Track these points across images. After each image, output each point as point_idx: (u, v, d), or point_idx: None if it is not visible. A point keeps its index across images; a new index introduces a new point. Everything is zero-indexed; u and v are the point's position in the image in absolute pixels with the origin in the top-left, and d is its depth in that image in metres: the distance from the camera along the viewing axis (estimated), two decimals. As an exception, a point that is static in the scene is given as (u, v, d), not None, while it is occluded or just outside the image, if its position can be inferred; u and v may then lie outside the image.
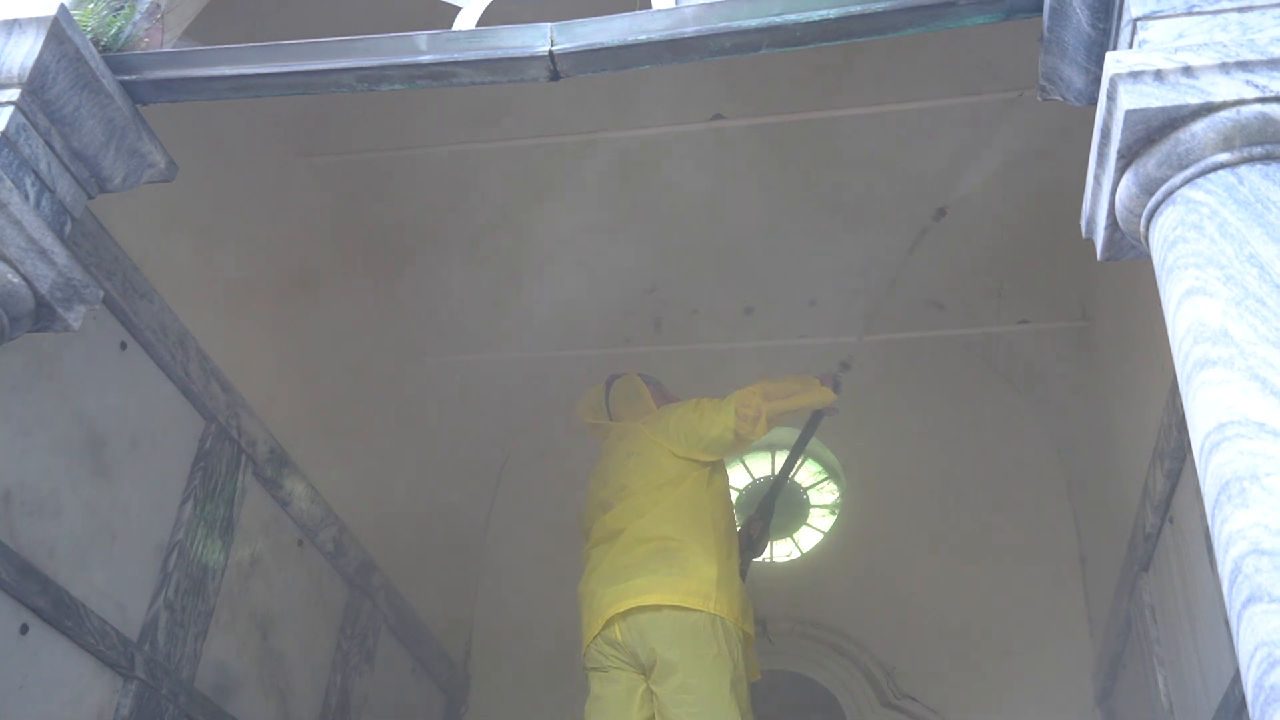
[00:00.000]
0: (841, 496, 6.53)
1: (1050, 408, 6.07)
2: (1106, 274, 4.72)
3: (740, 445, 4.20)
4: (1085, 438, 5.58)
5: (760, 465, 6.59)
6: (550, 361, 6.22)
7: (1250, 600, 1.75)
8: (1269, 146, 2.04)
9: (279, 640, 4.54)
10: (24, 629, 3.22)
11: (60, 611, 3.32)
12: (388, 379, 5.45)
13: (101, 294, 2.82)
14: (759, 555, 4.66)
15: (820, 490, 6.67)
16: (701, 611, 3.77)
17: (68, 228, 2.78)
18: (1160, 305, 2.19)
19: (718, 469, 4.29)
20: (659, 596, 3.81)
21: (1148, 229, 2.20)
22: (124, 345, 3.74)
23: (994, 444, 6.15)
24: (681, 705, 3.69)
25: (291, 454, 4.65)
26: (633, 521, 4.07)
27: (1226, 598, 1.82)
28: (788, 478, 4.96)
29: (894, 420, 6.26)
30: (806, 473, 6.71)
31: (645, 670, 3.84)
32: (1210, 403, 1.91)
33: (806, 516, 6.55)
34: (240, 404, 4.31)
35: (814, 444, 6.62)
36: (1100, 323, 5.07)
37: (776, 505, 4.75)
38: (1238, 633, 1.78)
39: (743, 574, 4.17)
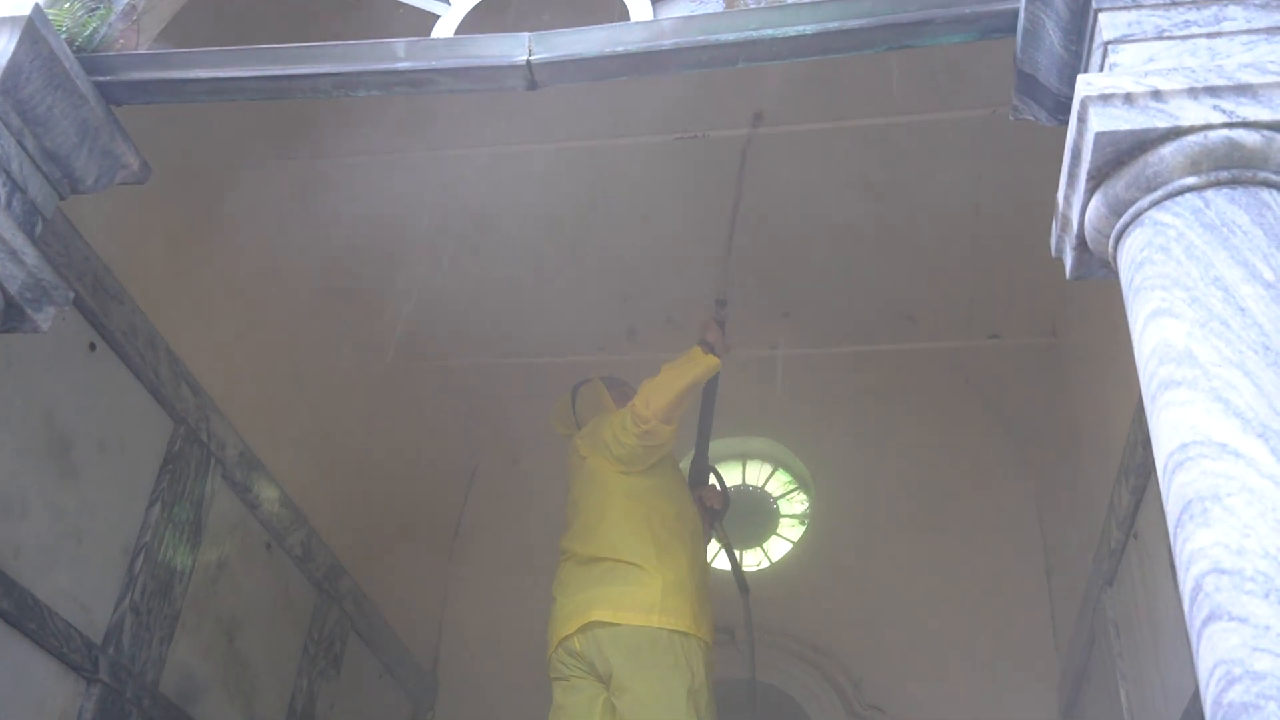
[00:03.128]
0: (811, 507, 6.56)
1: (1019, 422, 6.12)
2: (1076, 291, 4.76)
3: (655, 451, 4.16)
4: (1053, 453, 5.63)
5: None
6: (523, 368, 6.21)
7: (1210, 618, 1.77)
8: (1235, 171, 2.08)
9: (245, 644, 4.51)
10: (-14, 631, 3.19)
11: (24, 614, 3.29)
12: (359, 383, 5.42)
13: (72, 295, 2.80)
14: (723, 516, 4.60)
15: (790, 500, 6.69)
16: (654, 627, 3.78)
17: (38, 228, 2.76)
18: (1128, 324, 2.23)
19: (662, 467, 4.27)
20: (607, 614, 3.84)
21: (1116, 250, 2.23)
22: (93, 346, 3.72)
23: (963, 457, 6.19)
24: (638, 718, 3.71)
25: (261, 457, 4.63)
26: (585, 541, 4.12)
27: (1187, 615, 1.85)
28: (709, 435, 4.81)
29: (864, 432, 6.29)
30: (777, 483, 6.74)
31: (604, 680, 3.85)
32: (1174, 423, 1.94)
33: (776, 526, 6.57)
34: (210, 406, 4.29)
35: (784, 453, 6.68)
36: (1069, 339, 5.11)
37: (713, 468, 4.70)
38: (1198, 650, 1.81)
39: (730, 549, 4.19)
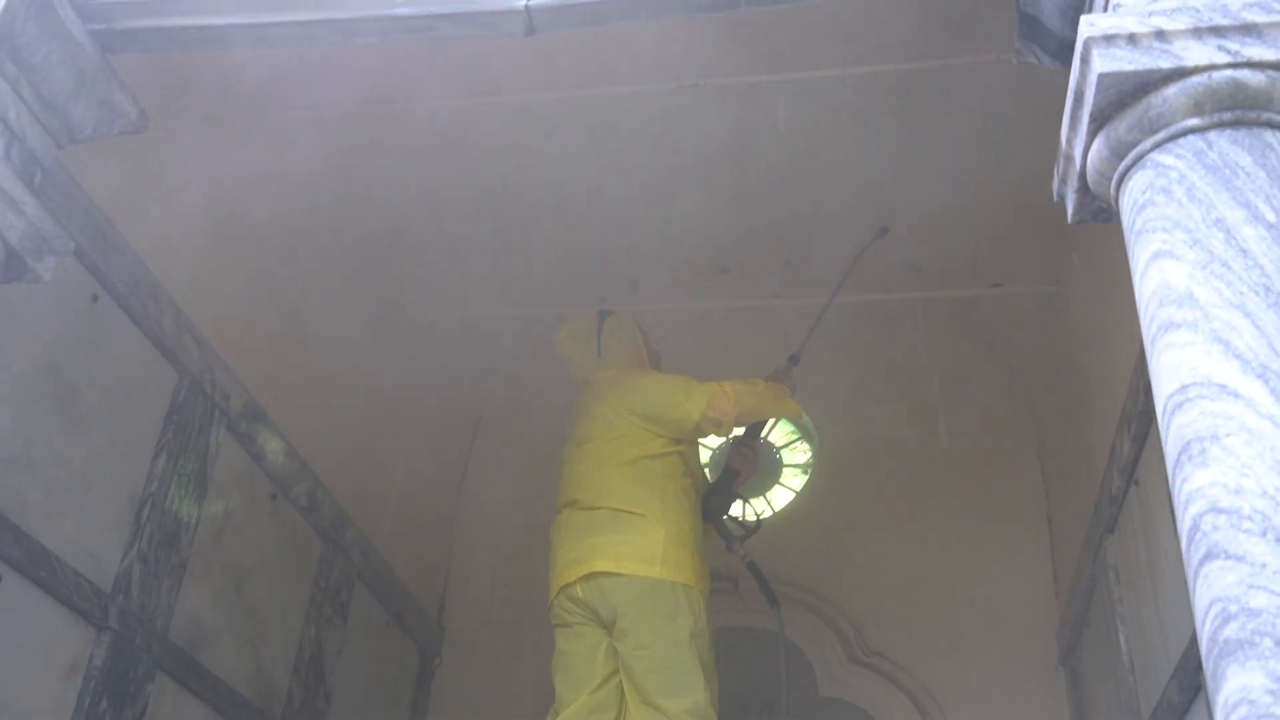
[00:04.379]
0: (813, 457, 6.58)
1: (1021, 371, 6.13)
2: (1079, 240, 4.75)
3: (696, 435, 4.22)
4: (1055, 401, 5.64)
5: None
6: (525, 319, 6.22)
7: (1207, 557, 1.79)
8: (1239, 112, 2.06)
9: (252, 593, 4.56)
10: (-4, 579, 3.22)
11: (33, 562, 3.32)
12: (362, 334, 5.43)
13: (73, 245, 2.81)
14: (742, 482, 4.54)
15: (793, 450, 6.72)
16: (661, 579, 3.81)
17: (37, 178, 2.75)
18: (1125, 268, 2.22)
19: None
20: (609, 564, 3.87)
21: (1118, 192, 2.22)
22: (95, 298, 3.72)
23: (965, 406, 6.20)
24: (641, 661, 3.75)
25: (265, 409, 4.65)
26: (587, 488, 4.12)
27: (1185, 555, 1.86)
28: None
29: (867, 381, 6.30)
30: (779, 433, 6.76)
31: (607, 626, 3.88)
32: (1174, 364, 1.95)
33: (779, 476, 6.60)
34: (214, 358, 4.30)
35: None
36: (1072, 287, 5.10)
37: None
38: (1194, 589, 1.83)
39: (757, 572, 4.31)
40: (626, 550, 3.86)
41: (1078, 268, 4.89)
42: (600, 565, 3.87)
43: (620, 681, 3.85)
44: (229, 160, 4.32)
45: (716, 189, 5.86)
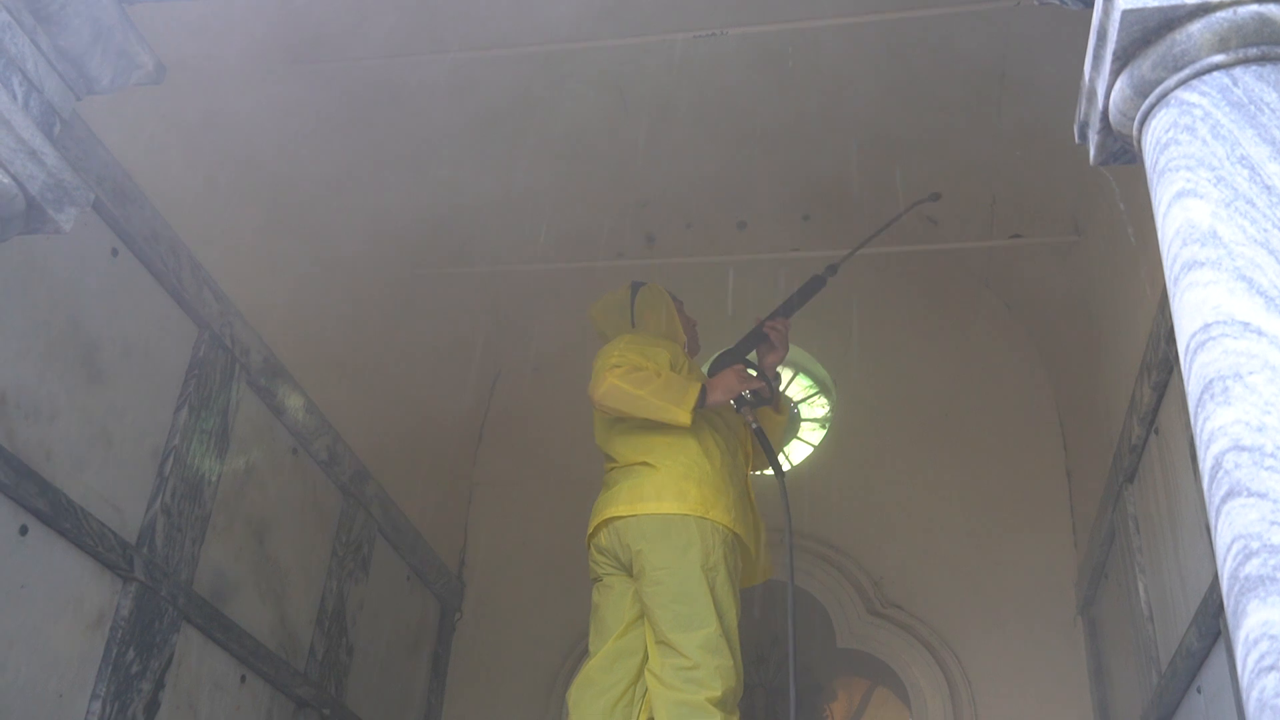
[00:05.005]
0: (832, 411, 6.59)
1: (1040, 323, 6.10)
2: (1099, 189, 4.71)
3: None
4: (1074, 352, 5.62)
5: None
6: (541, 275, 6.22)
7: (1229, 495, 1.78)
8: (1264, 48, 2.03)
9: (275, 546, 4.60)
10: (23, 530, 3.26)
11: (59, 513, 3.36)
12: (380, 290, 5.44)
13: (92, 196, 2.81)
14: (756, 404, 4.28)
15: (811, 405, 6.72)
16: (672, 514, 3.83)
17: (56, 129, 2.76)
18: (1147, 215, 2.20)
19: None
20: (623, 509, 3.91)
21: (1140, 132, 2.20)
22: (115, 252, 3.74)
23: (984, 359, 6.19)
24: (655, 598, 3.78)
25: (285, 364, 4.67)
26: (609, 445, 4.17)
27: (1206, 493, 1.86)
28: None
29: (885, 335, 6.29)
30: (798, 387, 6.76)
31: (629, 570, 3.92)
32: (1197, 303, 1.93)
33: (798, 431, 6.61)
34: (233, 312, 4.32)
35: (805, 358, 6.69)
36: (1092, 237, 5.07)
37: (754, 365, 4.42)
38: (1216, 527, 1.82)
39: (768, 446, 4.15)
40: (638, 493, 3.91)
41: (1097, 217, 4.86)
42: (616, 511, 3.92)
43: (645, 628, 3.88)
44: (247, 112, 4.32)
45: (733, 142, 5.83)
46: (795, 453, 6.57)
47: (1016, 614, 5.63)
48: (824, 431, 6.57)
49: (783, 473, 4.13)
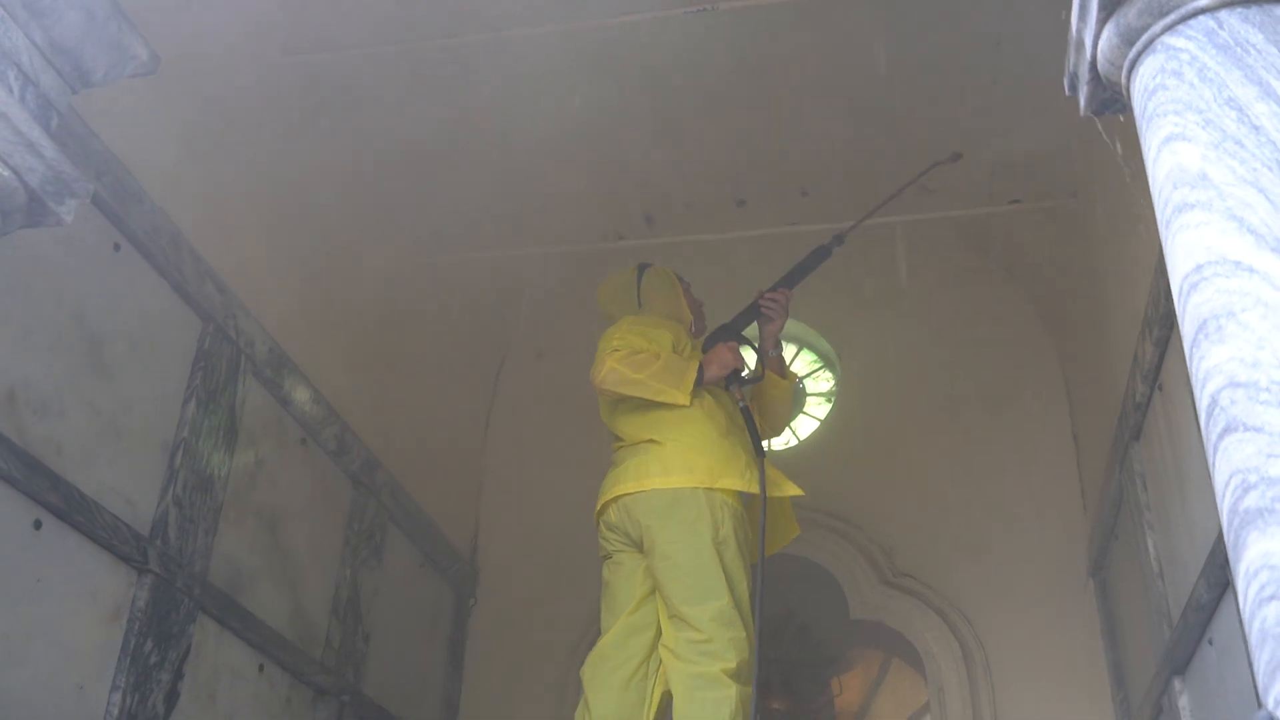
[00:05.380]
0: (837, 384, 6.60)
1: (1041, 287, 6.11)
2: (1096, 150, 4.72)
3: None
4: (1076, 315, 5.63)
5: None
6: (543, 259, 6.24)
7: (1226, 431, 1.80)
8: (1248, -11, 2.04)
9: (288, 536, 4.63)
10: (37, 524, 3.29)
11: (71, 507, 3.39)
12: (383, 278, 5.47)
13: (92, 188, 2.83)
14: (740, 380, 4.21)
15: (816, 379, 6.74)
16: (680, 487, 3.85)
17: (54, 122, 2.77)
18: (1141, 171, 2.21)
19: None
20: (630, 485, 3.94)
21: (1129, 80, 2.21)
22: (117, 247, 3.76)
23: (986, 326, 6.21)
24: (666, 572, 3.80)
25: (290, 354, 4.69)
26: (616, 425, 4.18)
27: (1204, 432, 1.87)
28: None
29: (887, 306, 6.31)
30: (802, 362, 6.78)
31: (639, 546, 3.93)
32: (1189, 245, 1.94)
33: (804, 405, 6.63)
34: (236, 304, 4.34)
35: (808, 333, 6.71)
36: (1091, 199, 5.07)
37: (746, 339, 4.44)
38: (1214, 464, 1.84)
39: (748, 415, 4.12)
40: (645, 470, 3.93)
41: (1095, 178, 4.86)
42: (624, 488, 3.94)
43: (657, 603, 3.90)
44: (243, 104, 4.34)
45: (729, 119, 5.84)
46: (802, 427, 6.59)
47: (1028, 579, 5.65)
48: (830, 405, 6.58)
49: (763, 452, 4.10)
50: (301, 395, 4.76)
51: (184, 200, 4.06)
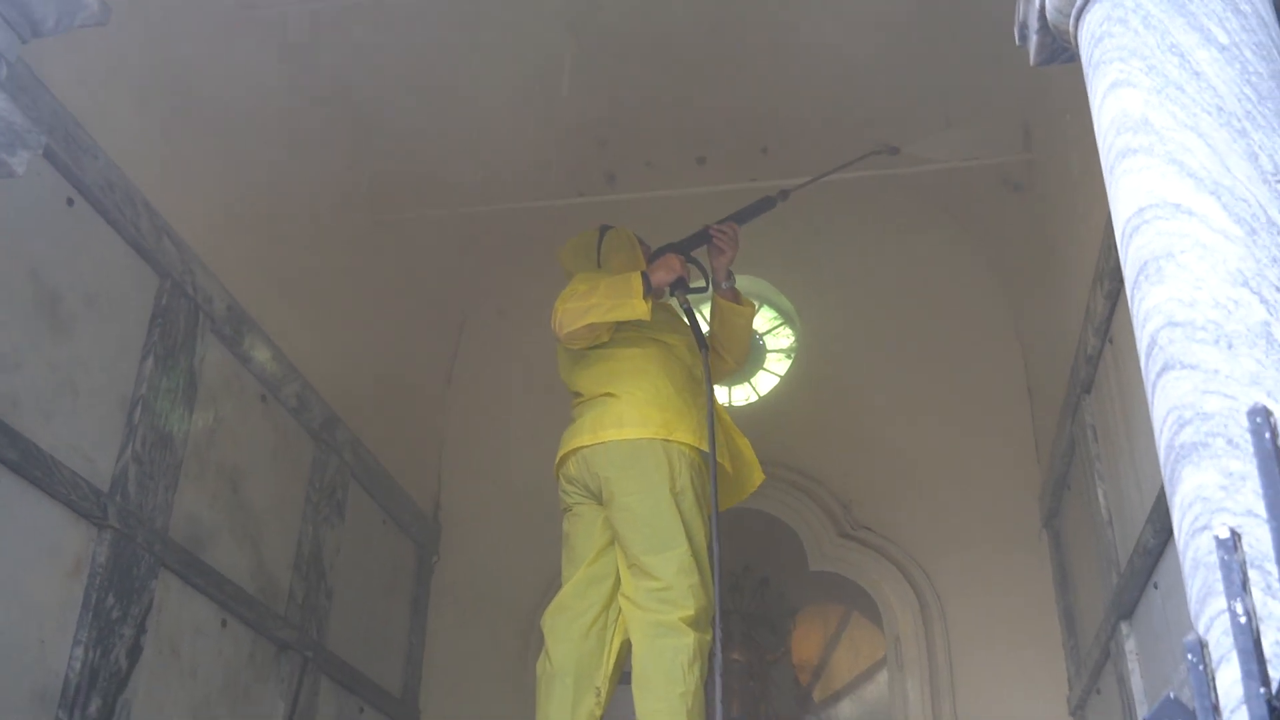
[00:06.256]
0: (797, 340, 6.66)
1: (996, 243, 6.18)
2: (1046, 102, 4.77)
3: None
4: (1031, 270, 5.70)
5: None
6: (503, 216, 6.23)
7: (1164, 369, 1.85)
8: (1192, -63, 2.08)
9: (249, 493, 4.64)
10: (-6, 479, 3.28)
11: (29, 462, 3.38)
12: (343, 236, 5.44)
13: (44, 139, 2.81)
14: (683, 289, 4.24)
15: (776, 335, 6.79)
16: (637, 439, 3.89)
17: (2, 73, 2.75)
18: (1091, 126, 2.25)
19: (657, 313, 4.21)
20: (587, 438, 3.98)
21: (1077, 28, 2.25)
22: (71, 201, 3.73)
23: (942, 282, 6.27)
24: (626, 523, 3.85)
25: (249, 311, 4.68)
26: (584, 380, 4.20)
27: (1144, 370, 1.93)
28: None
29: (846, 263, 6.36)
30: (762, 319, 6.82)
31: (598, 497, 3.98)
32: (1131, 189, 1.99)
33: (763, 361, 6.68)
34: (194, 260, 4.32)
35: (768, 290, 6.75)
36: (1044, 155, 5.13)
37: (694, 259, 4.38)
38: (1153, 401, 1.89)
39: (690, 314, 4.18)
40: (602, 422, 3.97)
41: (1048, 135, 4.91)
42: (582, 440, 3.98)
43: (616, 553, 3.95)
44: (197, 59, 4.30)
45: (689, 75, 5.84)
46: (762, 383, 6.65)
47: (983, 530, 5.75)
48: (790, 362, 6.64)
49: (710, 373, 4.11)
50: (261, 352, 4.75)
51: (139, 155, 4.02)
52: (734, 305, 4.39)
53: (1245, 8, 2.03)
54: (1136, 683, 4.09)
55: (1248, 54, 1.98)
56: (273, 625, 4.67)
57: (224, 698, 4.35)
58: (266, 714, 4.62)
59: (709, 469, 4.02)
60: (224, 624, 4.39)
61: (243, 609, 4.47)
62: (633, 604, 3.83)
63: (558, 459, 4.13)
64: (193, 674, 4.17)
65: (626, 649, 3.93)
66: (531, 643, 5.87)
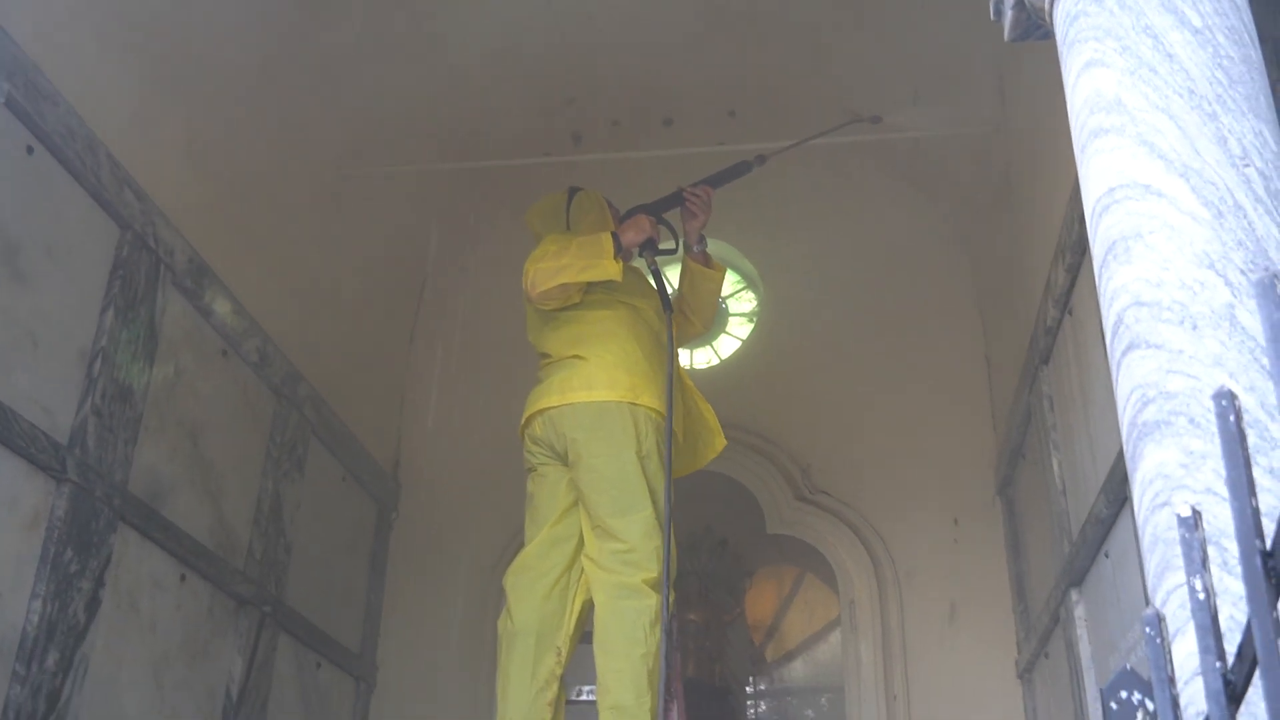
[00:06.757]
0: (759, 305, 6.69)
1: (961, 214, 6.23)
2: (1016, 77, 4.80)
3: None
4: (994, 242, 5.76)
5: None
6: (469, 175, 6.19)
7: (1129, 348, 1.89)
8: (1170, -81, 2.10)
9: (209, 447, 4.61)
10: (-48, 431, 3.24)
11: (-14, 414, 3.34)
12: (307, 191, 5.39)
13: (5, 88, 2.75)
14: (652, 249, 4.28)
15: (739, 299, 6.82)
16: (605, 400, 3.91)
17: (-35, 17, 2.69)
18: (1061, 103, 2.27)
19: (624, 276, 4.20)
20: (554, 399, 3.99)
21: (1052, 6, 2.26)
22: (30, 150, 3.66)
23: (907, 251, 6.32)
24: (592, 484, 3.87)
25: (211, 265, 4.63)
26: (552, 341, 4.20)
27: (1109, 349, 1.96)
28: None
29: (810, 228, 6.39)
30: (726, 283, 6.83)
31: (564, 458, 3.99)
32: (1102, 169, 2.02)
33: (725, 325, 6.72)
34: (155, 212, 4.26)
35: (732, 254, 6.77)
36: (1010, 126, 5.16)
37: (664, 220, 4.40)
38: (1117, 379, 1.93)
39: (658, 275, 4.21)
40: (569, 384, 3.98)
41: (1014, 107, 4.94)
42: (549, 401, 3.99)
43: (579, 514, 3.97)
44: (162, 8, 4.22)
45: (657, 37, 5.82)
46: (724, 347, 6.68)
47: (939, 496, 5.84)
48: (752, 326, 6.68)
49: (674, 336, 4.13)
50: (223, 306, 4.71)
51: (102, 104, 3.96)
52: (704, 269, 4.40)
53: (1218, -9, 2.06)
54: (1084, 648, 4.19)
55: (1220, 37, 2.01)
56: (231, 580, 4.66)
57: (182, 652, 4.35)
58: (224, 669, 4.63)
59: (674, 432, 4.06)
60: (183, 579, 4.38)
61: (202, 564, 4.46)
62: (596, 565, 3.86)
63: (523, 419, 4.14)
64: (151, 628, 4.16)
65: (588, 609, 3.96)
66: (490, 601, 5.91)
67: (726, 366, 6.53)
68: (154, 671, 4.17)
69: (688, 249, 4.42)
